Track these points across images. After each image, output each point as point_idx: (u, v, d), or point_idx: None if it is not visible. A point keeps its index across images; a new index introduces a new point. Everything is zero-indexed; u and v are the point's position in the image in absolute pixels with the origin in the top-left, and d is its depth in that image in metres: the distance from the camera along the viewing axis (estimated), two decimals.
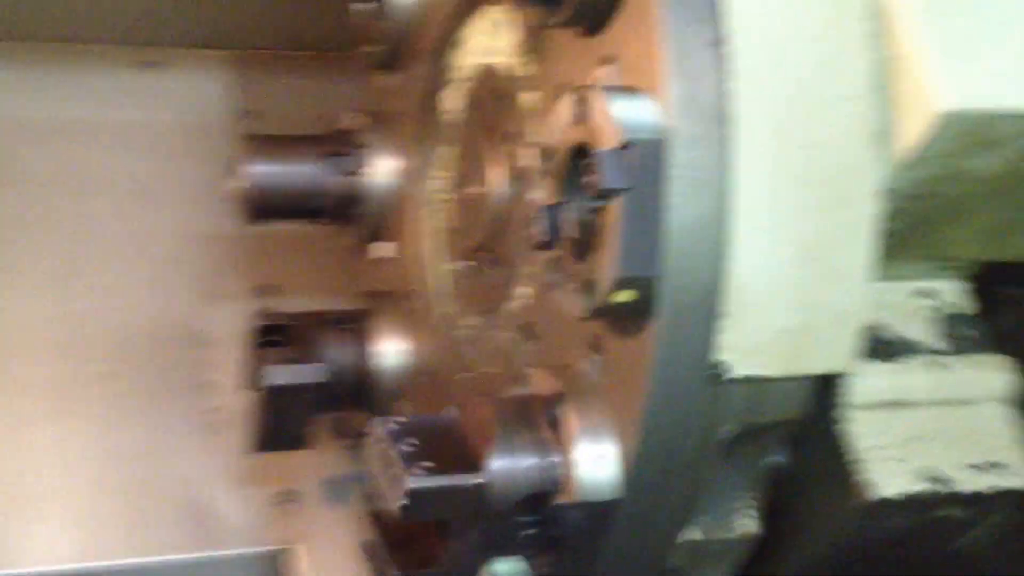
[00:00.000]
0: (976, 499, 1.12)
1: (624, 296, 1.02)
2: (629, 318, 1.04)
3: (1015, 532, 1.21)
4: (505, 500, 1.07)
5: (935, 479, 1.10)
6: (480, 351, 1.46)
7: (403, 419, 1.13)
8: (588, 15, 1.10)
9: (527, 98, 1.31)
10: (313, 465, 1.75)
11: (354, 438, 1.73)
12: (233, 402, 1.78)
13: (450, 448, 1.10)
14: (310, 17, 2.17)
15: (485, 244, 1.41)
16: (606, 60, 1.10)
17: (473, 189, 1.43)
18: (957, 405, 1.14)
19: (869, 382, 1.12)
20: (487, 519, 1.08)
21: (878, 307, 1.14)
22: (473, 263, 1.48)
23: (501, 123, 1.38)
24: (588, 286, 1.04)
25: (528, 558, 1.15)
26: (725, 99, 1.02)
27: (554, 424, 1.09)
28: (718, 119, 1.02)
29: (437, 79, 1.57)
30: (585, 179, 1.04)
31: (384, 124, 1.71)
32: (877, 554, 1.20)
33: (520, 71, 1.33)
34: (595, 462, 1.07)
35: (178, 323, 1.83)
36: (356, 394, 1.64)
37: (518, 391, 1.18)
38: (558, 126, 1.09)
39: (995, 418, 1.15)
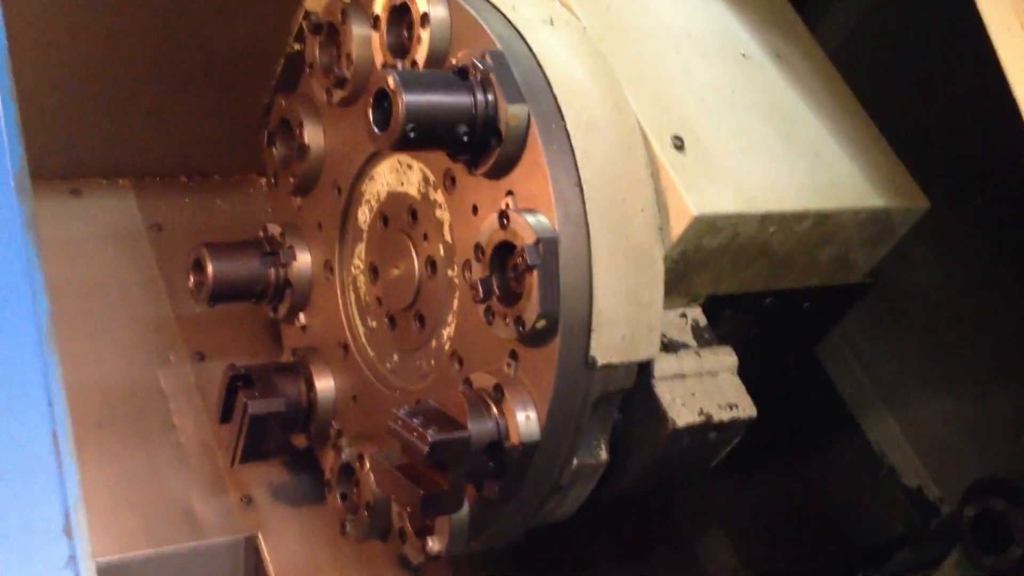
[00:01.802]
0: (724, 426, 2.01)
1: (541, 324, 1.84)
2: (540, 337, 1.86)
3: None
4: (479, 445, 1.85)
5: (704, 415, 1.98)
6: (403, 376, 2.22)
7: (411, 407, 1.89)
8: (499, 169, 1.93)
9: (440, 214, 2.11)
10: (262, 475, 2.43)
11: (294, 454, 2.44)
12: (193, 437, 2.44)
13: (443, 420, 1.86)
14: (198, 150, 2.86)
15: (410, 307, 2.18)
16: (509, 193, 1.93)
17: (398, 271, 2.20)
18: (708, 375, 2.04)
19: (664, 365, 1.98)
20: (469, 458, 1.85)
21: (663, 323, 2.02)
22: (390, 319, 2.25)
23: (416, 229, 2.17)
24: (517, 321, 1.86)
25: (483, 486, 1.94)
26: (583, 214, 1.88)
27: (498, 401, 1.89)
28: (581, 225, 1.88)
29: (352, 201, 2.33)
30: (513, 261, 1.86)
31: (304, 230, 2.44)
32: (669, 468, 2.07)
33: (432, 197, 2.13)
34: (526, 421, 1.88)
35: (142, 383, 2.47)
36: (302, 419, 2.36)
37: (466, 388, 1.97)
38: (488, 231, 1.90)
39: (729, 381, 2.06)
